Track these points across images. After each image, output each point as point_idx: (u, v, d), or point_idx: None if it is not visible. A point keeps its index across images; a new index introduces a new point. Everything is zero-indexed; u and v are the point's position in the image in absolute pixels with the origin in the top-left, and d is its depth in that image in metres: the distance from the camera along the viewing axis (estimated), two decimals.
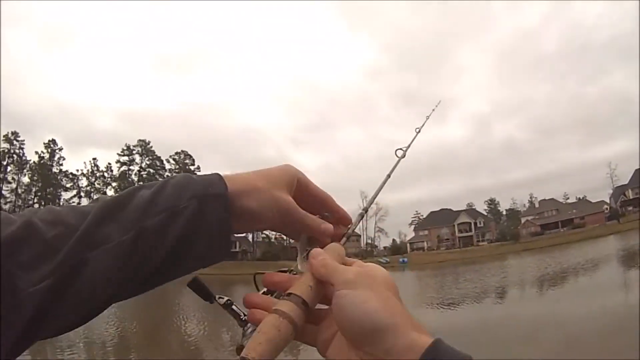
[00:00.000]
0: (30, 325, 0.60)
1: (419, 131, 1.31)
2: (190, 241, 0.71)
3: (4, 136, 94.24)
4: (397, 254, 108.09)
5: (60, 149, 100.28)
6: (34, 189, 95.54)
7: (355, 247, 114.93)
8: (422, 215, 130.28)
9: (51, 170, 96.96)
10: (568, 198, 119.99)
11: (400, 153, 1.10)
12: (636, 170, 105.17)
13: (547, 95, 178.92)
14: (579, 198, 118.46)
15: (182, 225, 0.70)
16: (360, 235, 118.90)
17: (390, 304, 0.67)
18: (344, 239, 0.89)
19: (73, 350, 14.86)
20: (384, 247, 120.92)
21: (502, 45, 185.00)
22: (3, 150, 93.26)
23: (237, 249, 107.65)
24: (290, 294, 0.70)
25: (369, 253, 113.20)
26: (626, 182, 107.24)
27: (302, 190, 0.88)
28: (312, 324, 0.75)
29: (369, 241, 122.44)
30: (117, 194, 0.71)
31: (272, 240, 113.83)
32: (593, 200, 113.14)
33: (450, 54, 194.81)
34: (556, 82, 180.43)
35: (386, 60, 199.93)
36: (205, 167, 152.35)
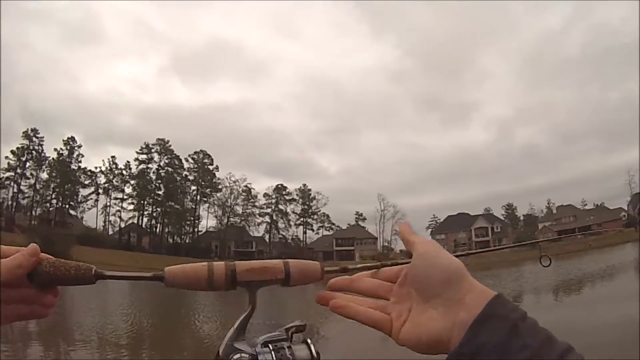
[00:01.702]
0: None
1: None
2: None
3: (23, 133, 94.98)
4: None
5: (80, 146, 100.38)
6: (52, 185, 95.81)
7: (371, 250, 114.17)
8: (440, 219, 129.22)
9: (70, 167, 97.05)
10: (586, 204, 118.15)
11: None
12: None
13: (570, 101, 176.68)
14: (597, 204, 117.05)
15: None
16: (376, 238, 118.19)
17: (458, 261, 0.78)
18: None
19: (86, 347, 14.77)
20: (400, 251, 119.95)
21: (525, 49, 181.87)
22: (22, 147, 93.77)
23: (254, 249, 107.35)
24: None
25: (385, 256, 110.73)
26: None
27: None
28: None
29: (386, 244, 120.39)
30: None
31: (289, 241, 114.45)
32: (611, 207, 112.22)
33: (473, 58, 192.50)
34: (579, 87, 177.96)
35: (410, 64, 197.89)
36: (224, 166, 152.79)
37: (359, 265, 1.02)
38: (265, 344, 0.82)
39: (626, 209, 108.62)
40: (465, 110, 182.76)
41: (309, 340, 0.87)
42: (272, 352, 0.81)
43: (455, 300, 0.73)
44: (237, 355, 0.82)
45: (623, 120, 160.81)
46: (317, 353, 0.83)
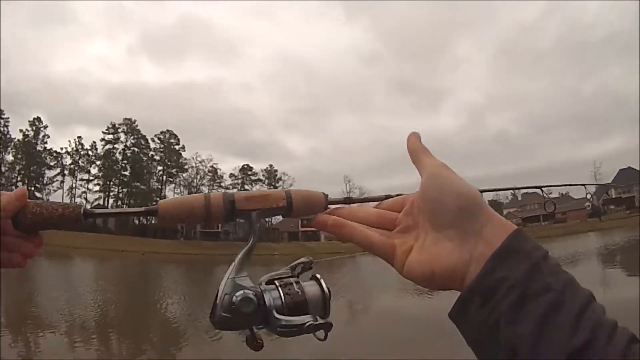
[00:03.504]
0: None
1: None
2: None
3: None
4: None
5: (46, 127, 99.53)
6: (17, 167, 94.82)
7: None
8: None
9: (35, 148, 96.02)
10: (551, 193, 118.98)
11: None
12: (620, 170, 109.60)
13: (543, 91, 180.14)
14: (562, 194, 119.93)
15: None
16: None
17: (475, 190, 0.71)
18: None
19: (54, 330, 14.81)
20: None
21: (501, 39, 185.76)
22: None
23: (220, 230, 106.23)
24: None
25: None
26: (610, 181, 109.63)
27: None
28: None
29: None
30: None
31: None
32: (576, 197, 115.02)
33: (447, 45, 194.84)
34: (552, 78, 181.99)
35: (383, 48, 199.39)
36: (191, 146, 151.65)
37: (364, 197, 0.97)
38: (270, 282, 0.78)
39: (590, 199, 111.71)
40: (438, 95, 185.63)
41: (318, 276, 0.83)
42: (279, 288, 0.77)
43: (472, 231, 0.67)
44: (240, 292, 0.75)
45: (595, 112, 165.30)
46: (328, 289, 0.79)
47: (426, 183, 0.73)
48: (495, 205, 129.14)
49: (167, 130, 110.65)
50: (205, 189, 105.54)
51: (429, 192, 0.73)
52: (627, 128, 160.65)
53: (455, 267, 0.67)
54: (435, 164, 0.74)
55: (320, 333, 0.74)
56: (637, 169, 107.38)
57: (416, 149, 0.79)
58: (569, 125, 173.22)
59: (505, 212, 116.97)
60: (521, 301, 0.59)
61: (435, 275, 0.69)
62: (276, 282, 0.79)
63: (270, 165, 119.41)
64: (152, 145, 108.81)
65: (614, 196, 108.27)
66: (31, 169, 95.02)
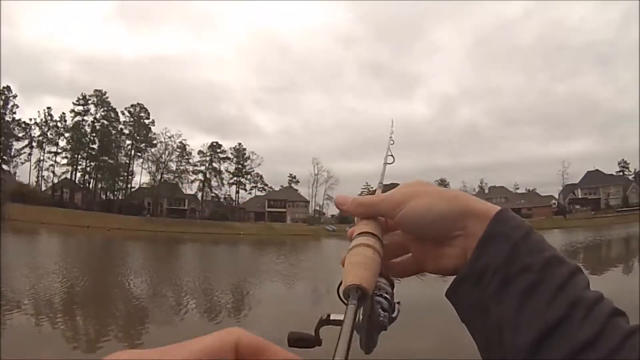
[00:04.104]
0: None
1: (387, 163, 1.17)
2: None
3: None
4: (344, 223, 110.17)
5: (15, 96, 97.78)
6: None
7: (302, 213, 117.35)
8: (372, 187, 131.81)
9: (3, 118, 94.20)
10: (518, 188, 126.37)
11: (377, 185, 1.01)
12: (588, 172, 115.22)
13: (516, 87, 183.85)
14: (529, 190, 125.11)
15: None
16: (309, 202, 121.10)
17: (450, 195, 0.73)
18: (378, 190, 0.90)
19: (19, 309, 14.94)
20: (332, 216, 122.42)
21: (480, 30, 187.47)
22: None
23: (186, 207, 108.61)
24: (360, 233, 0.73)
25: (316, 220, 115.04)
26: (577, 182, 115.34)
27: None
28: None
29: (317, 208, 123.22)
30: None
31: (221, 200, 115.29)
32: (542, 194, 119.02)
33: (426, 31, 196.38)
34: (527, 75, 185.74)
35: (360, 29, 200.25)
36: (161, 121, 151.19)
37: None
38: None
39: (557, 197, 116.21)
40: (410, 81, 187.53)
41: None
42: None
43: (461, 235, 0.71)
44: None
45: (565, 114, 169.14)
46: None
47: (401, 226, 0.76)
48: None
49: (138, 104, 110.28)
50: (173, 165, 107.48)
51: (408, 230, 0.76)
52: (594, 132, 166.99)
53: (457, 266, 0.71)
54: (396, 203, 0.74)
55: None
56: (604, 172, 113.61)
57: (364, 203, 0.79)
58: (537, 123, 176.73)
59: None
60: (504, 284, 0.63)
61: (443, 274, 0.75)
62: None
63: (239, 144, 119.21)
64: (121, 118, 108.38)
65: (580, 196, 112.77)
66: None
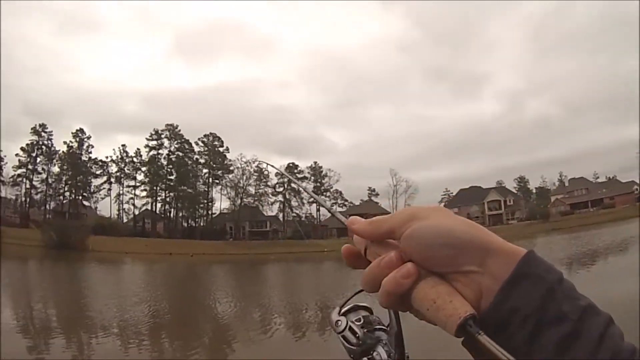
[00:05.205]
0: None
1: None
2: None
3: (32, 129, 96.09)
4: None
5: (89, 137, 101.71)
6: (64, 178, 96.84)
7: None
8: (452, 193, 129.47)
9: (80, 158, 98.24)
10: (598, 177, 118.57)
11: None
12: None
13: (579, 72, 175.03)
14: (609, 177, 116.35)
15: None
16: (390, 213, 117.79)
17: (469, 223, 0.66)
18: None
19: (107, 333, 15.00)
20: None
21: (532, 19, 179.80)
22: (32, 143, 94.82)
23: (268, 229, 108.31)
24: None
25: None
26: None
27: None
28: None
29: None
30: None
31: (303, 219, 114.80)
32: (623, 180, 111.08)
33: (480, 28, 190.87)
34: (588, 58, 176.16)
35: (418, 35, 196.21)
36: (234, 147, 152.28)
37: None
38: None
39: (638, 182, 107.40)
40: (474, 81, 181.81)
41: None
42: None
43: (476, 272, 0.63)
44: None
45: (634, 92, 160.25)
46: None
47: (409, 242, 0.68)
48: (543, 191, 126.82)
49: (210, 133, 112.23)
50: (252, 189, 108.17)
51: (415, 247, 0.67)
52: None
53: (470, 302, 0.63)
54: (402, 221, 0.70)
55: None
56: None
57: (375, 225, 0.75)
58: (607, 106, 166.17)
59: (552, 198, 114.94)
60: (536, 332, 0.57)
61: None
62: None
63: (315, 162, 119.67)
64: (196, 148, 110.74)
65: None
66: (77, 178, 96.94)
